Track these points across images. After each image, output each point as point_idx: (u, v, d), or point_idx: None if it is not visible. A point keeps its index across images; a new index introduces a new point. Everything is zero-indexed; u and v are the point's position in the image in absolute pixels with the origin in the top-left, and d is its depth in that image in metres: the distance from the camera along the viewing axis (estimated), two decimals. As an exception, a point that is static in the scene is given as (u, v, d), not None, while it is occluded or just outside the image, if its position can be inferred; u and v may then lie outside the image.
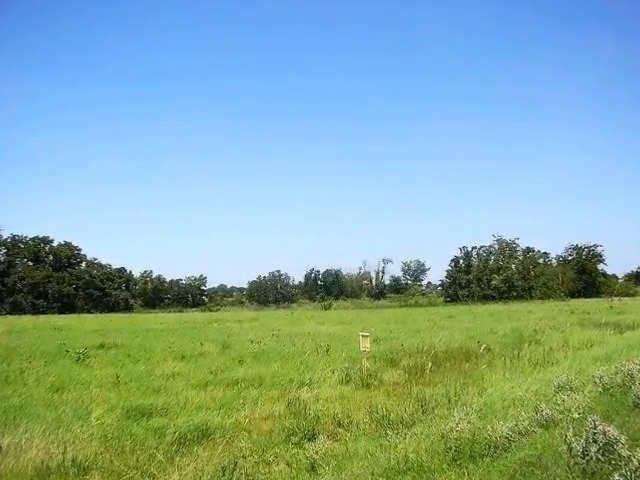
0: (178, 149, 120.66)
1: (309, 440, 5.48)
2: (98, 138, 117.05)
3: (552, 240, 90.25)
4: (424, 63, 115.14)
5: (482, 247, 75.13)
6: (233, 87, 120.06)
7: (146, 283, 79.36)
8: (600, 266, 72.72)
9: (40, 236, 70.69)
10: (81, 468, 4.79)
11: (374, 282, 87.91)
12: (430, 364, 9.47)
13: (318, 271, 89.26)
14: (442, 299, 72.81)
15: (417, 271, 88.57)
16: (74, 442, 5.38)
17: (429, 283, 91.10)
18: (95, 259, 73.99)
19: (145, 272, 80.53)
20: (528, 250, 74.25)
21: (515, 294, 66.16)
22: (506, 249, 73.60)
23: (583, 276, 70.98)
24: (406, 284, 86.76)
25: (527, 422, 4.60)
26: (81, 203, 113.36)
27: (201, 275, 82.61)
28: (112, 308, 67.84)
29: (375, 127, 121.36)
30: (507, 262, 71.74)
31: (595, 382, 5.88)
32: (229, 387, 8.54)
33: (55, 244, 71.55)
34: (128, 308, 70.40)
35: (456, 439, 4.43)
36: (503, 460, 3.98)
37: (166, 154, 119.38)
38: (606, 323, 16.99)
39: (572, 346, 11.60)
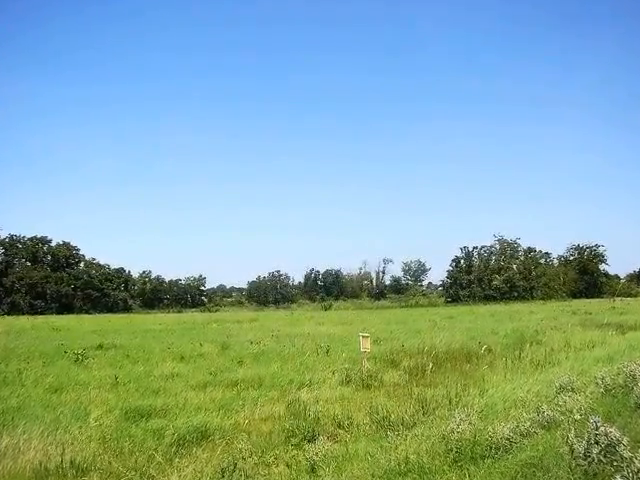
0: (177, 148, 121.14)
1: (309, 441, 5.45)
2: (97, 137, 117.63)
3: (553, 240, 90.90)
4: (424, 62, 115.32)
5: (483, 247, 75.09)
6: (233, 86, 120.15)
7: (145, 283, 79.14)
8: (602, 266, 72.65)
9: (38, 236, 70.45)
10: (79, 469, 4.77)
11: (374, 282, 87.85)
12: (431, 365, 9.44)
13: (318, 271, 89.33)
14: (443, 299, 72.72)
15: (418, 271, 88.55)
16: (72, 443, 5.37)
17: (430, 283, 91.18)
18: (94, 259, 73.79)
19: (144, 272, 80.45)
20: (529, 250, 74.14)
21: (516, 294, 66.03)
22: (507, 249, 73.49)
23: (585, 276, 70.81)
24: (407, 284, 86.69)
25: (528, 423, 4.58)
26: (80, 203, 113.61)
27: (200, 275, 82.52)
28: (111, 308, 67.52)
29: (375, 126, 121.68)
30: (508, 262, 71.62)
31: (597, 383, 5.87)
32: (228, 388, 8.51)
33: (53, 244, 71.28)
34: (127, 308, 70.09)
35: (457, 440, 4.42)
36: (504, 461, 3.98)
37: (165, 153, 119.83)
38: (608, 324, 16.96)
39: (574, 347, 11.57)
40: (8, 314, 53.67)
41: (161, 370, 10.29)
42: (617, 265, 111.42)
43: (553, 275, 70.20)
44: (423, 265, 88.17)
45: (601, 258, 72.44)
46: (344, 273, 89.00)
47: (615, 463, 3.20)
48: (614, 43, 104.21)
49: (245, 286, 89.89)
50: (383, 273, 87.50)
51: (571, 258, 74.73)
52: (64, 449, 5.09)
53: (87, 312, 62.54)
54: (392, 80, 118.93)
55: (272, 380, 9.03)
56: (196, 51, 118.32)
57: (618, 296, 53.84)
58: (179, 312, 65.08)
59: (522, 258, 73.31)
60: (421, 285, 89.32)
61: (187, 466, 4.88)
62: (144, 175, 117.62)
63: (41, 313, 57.25)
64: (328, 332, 19.88)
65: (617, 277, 75.75)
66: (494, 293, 67.07)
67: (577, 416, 4.56)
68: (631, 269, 77.34)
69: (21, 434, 5.41)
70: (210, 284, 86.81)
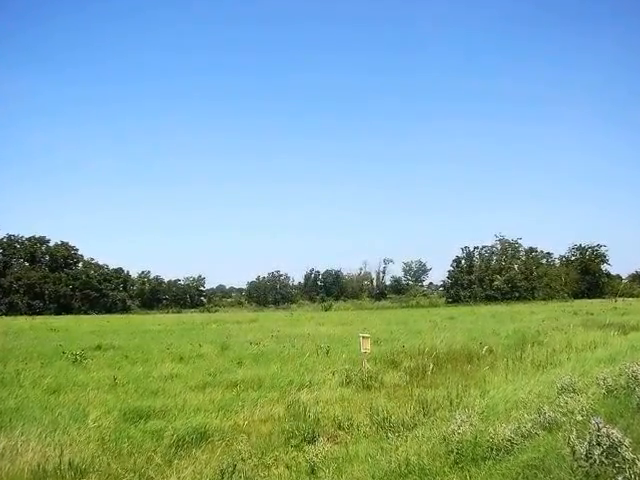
0: (176, 148, 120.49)
1: (309, 443, 5.43)
2: (96, 137, 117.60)
3: (555, 240, 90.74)
4: (425, 61, 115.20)
5: (484, 247, 75.03)
6: (232, 85, 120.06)
7: (144, 284, 78.81)
8: (604, 266, 72.56)
9: (36, 236, 70.17)
10: (78, 471, 4.75)
11: (375, 283, 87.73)
12: (431, 366, 9.41)
13: (318, 271, 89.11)
14: (444, 300, 72.61)
15: (418, 271, 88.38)
16: (71, 445, 5.35)
17: (430, 284, 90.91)
18: (92, 259, 73.41)
19: (143, 272, 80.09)
20: (531, 250, 74.01)
21: (518, 295, 65.94)
22: (508, 249, 73.38)
23: (586, 277, 70.68)
24: (407, 285, 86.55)
25: (530, 424, 4.57)
26: (78, 202, 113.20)
27: (199, 275, 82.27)
28: (109, 309, 67.27)
29: (375, 126, 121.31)
30: (509, 262, 71.53)
31: (599, 384, 5.85)
32: (228, 389, 8.49)
33: (52, 244, 70.95)
34: (125, 309, 69.85)
35: (458, 442, 4.41)
36: (505, 463, 3.98)
37: (164, 153, 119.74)
38: (610, 324, 16.96)
39: (575, 347, 11.56)
40: (6, 314, 53.64)
41: (160, 371, 10.27)
42: (619, 265, 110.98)
43: (555, 275, 70.08)
44: (424, 265, 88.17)
45: (603, 258, 72.34)
46: (344, 273, 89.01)
47: (617, 465, 3.20)
48: (615, 42, 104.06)
49: (245, 286, 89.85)
50: (383, 273, 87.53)
51: (573, 258, 74.61)
52: (62, 450, 5.07)
53: (85, 312, 62.44)
54: (392, 79, 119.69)
55: (272, 381, 9.00)
56: (196, 50, 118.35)
57: (620, 296, 53.83)
58: (178, 312, 64.95)
59: (523, 258, 73.22)
60: (422, 285, 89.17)
61: (186, 467, 4.87)
62: (143, 175, 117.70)
63: (39, 313, 57.08)
64: (328, 333, 19.85)
65: (619, 277, 75.73)
66: (495, 293, 66.98)
67: (579, 417, 4.55)
68: (633, 269, 77.22)
69: (19, 435, 5.39)
70: (209, 284, 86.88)
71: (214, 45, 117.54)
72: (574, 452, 3.42)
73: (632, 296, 57.91)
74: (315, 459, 4.74)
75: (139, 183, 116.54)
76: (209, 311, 67.44)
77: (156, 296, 78.65)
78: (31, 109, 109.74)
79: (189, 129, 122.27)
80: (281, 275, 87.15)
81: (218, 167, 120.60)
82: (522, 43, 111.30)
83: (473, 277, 71.00)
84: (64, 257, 70.51)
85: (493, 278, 69.41)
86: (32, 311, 59.35)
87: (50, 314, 57.46)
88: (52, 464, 4.81)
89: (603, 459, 3.24)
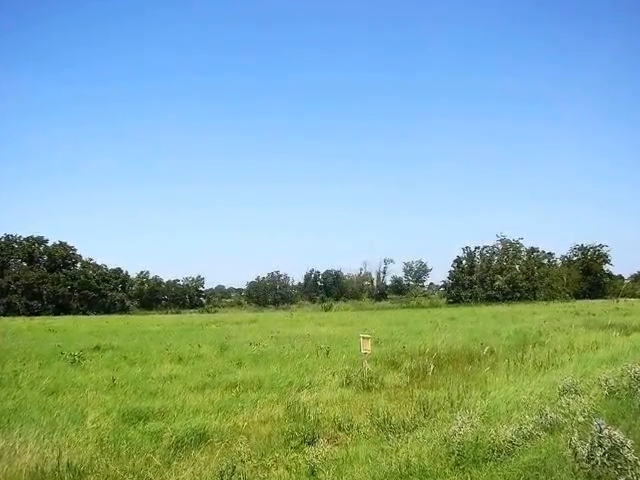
0: (175, 147, 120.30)
1: (309, 444, 5.41)
2: (94, 136, 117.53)
3: (557, 240, 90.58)
4: (425, 60, 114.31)
5: (485, 247, 74.98)
6: (231, 84, 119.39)
7: (142, 284, 78.49)
8: (606, 267, 72.39)
9: (34, 236, 70.01)
10: (76, 473, 4.73)
11: (375, 283, 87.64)
12: (432, 366, 9.38)
13: (318, 272, 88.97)
14: (444, 300, 72.51)
15: (419, 272, 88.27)
16: (69, 446, 5.32)
17: (431, 284, 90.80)
18: (90, 259, 73.22)
19: (141, 273, 79.74)
20: (532, 250, 73.89)
21: (519, 295, 65.83)
22: (510, 249, 73.27)
23: (588, 277, 70.53)
24: (408, 285, 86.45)
25: (531, 426, 4.55)
26: (76, 202, 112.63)
27: (199, 276, 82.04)
28: (108, 309, 67.00)
29: (376, 125, 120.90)
30: (511, 263, 71.44)
31: (601, 385, 5.83)
32: (227, 390, 8.46)
33: (50, 244, 70.76)
34: (124, 309, 69.60)
35: (459, 443, 4.39)
36: (507, 464, 3.98)
37: (163, 152, 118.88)
38: (612, 325, 16.89)
39: (577, 348, 11.53)
40: (4, 315, 53.53)
41: (159, 372, 10.24)
42: (621, 265, 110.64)
43: (556, 276, 69.96)
44: (424, 265, 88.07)
45: (605, 258, 72.16)
46: (344, 273, 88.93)
47: (619, 466, 3.22)
48: (616, 40, 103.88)
49: (244, 287, 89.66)
50: (384, 273, 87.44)
51: (574, 258, 74.47)
52: (61, 452, 5.04)
53: (84, 313, 62.30)
54: (392, 78, 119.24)
55: (271, 382, 8.97)
56: (195, 49, 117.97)
57: (622, 297, 53.71)
58: (177, 313, 64.86)
59: (525, 258, 73.11)
60: (422, 286, 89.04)
61: (185, 469, 4.85)
62: (142, 174, 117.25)
63: (37, 314, 56.93)
64: (328, 333, 19.82)
65: (621, 277, 75.52)
66: (496, 294, 66.90)
67: (580, 418, 4.54)
68: (635, 269, 76.94)
69: (17, 437, 5.36)
70: (209, 285, 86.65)
71: (213, 44, 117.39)
72: (576, 454, 3.42)
73: (634, 296, 57.71)
74: (315, 460, 4.71)
75: (138, 183, 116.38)
76: (208, 311, 67.22)
77: (155, 296, 78.50)
78: (29, 108, 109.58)
79: (188, 128, 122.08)
80: (281, 275, 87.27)
81: (217, 167, 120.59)
82: (523, 42, 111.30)
83: (474, 277, 70.91)
84: (62, 257, 70.34)
85: (494, 278, 69.32)
86: (30, 312, 59.22)
87: (48, 314, 57.27)
88: (50, 465, 4.79)
89: (605, 461, 3.24)
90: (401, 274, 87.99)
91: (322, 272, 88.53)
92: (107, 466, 4.86)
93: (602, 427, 3.36)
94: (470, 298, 66.78)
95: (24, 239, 69.60)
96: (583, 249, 73.95)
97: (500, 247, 73.90)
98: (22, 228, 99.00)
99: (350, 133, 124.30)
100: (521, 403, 5.80)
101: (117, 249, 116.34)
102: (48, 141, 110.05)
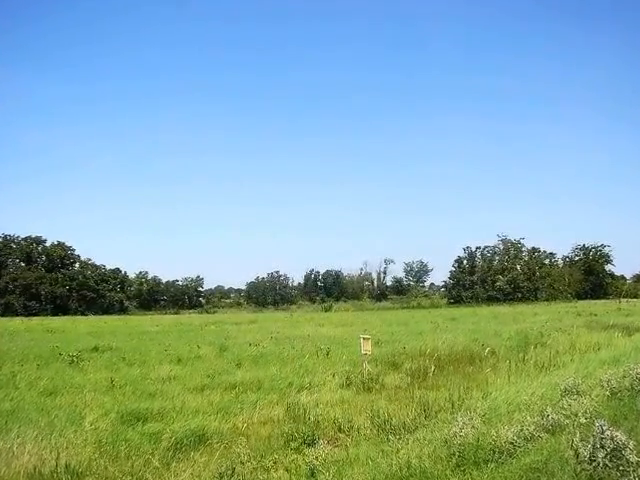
0: (174, 146, 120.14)
1: (309, 445, 5.39)
2: (93, 135, 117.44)
3: (558, 240, 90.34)
4: (426, 58, 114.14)
5: (486, 247, 74.95)
6: (231, 83, 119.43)
7: (141, 284, 78.34)
8: (608, 267, 72.23)
9: (32, 236, 69.82)
10: (75, 474, 4.72)
11: (375, 283, 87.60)
12: (433, 367, 9.35)
13: (318, 272, 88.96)
14: (445, 301, 72.49)
15: (420, 272, 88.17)
16: (67, 447, 5.30)
17: (432, 284, 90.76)
18: (89, 259, 73.08)
19: (140, 273, 79.71)
20: (534, 250, 73.77)
21: (520, 295, 65.72)
22: (511, 249, 73.18)
23: (590, 277, 70.38)
24: (408, 285, 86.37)
25: (533, 427, 4.52)
26: (75, 202, 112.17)
27: (198, 276, 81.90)
28: (106, 310, 66.78)
29: (376, 124, 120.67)
30: (512, 263, 71.34)
31: (603, 386, 5.81)
32: (227, 391, 8.44)
33: (48, 244, 70.58)
34: (123, 310, 69.54)
35: (460, 444, 4.36)
36: (508, 466, 3.95)
37: (162, 152, 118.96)
38: (614, 325, 16.85)
39: (579, 349, 11.49)
40: (2, 316, 53.44)
41: (158, 373, 10.21)
42: (623, 266, 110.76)
43: (558, 276, 69.82)
44: (425, 266, 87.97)
45: (607, 258, 72.01)
46: (344, 274, 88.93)
47: (621, 468, 3.20)
48: (617, 39, 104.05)
49: (244, 287, 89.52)
50: (384, 274, 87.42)
51: (576, 258, 74.34)
52: (59, 453, 5.02)
53: (82, 313, 62.12)
54: (393, 77, 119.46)
55: (271, 383, 8.96)
56: (195, 47, 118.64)
57: (624, 297, 53.54)
58: (176, 314, 64.84)
59: (526, 258, 73.00)
60: (423, 286, 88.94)
61: (184, 470, 4.85)
62: (141, 174, 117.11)
63: (35, 314, 56.78)
64: (328, 334, 19.82)
65: (623, 278, 75.34)
66: (497, 294, 66.81)
67: (582, 420, 4.51)
68: (637, 270, 76.86)
69: (15, 438, 5.34)
70: (208, 285, 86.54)
71: (213, 42, 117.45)
72: (578, 455, 3.41)
73: (636, 297, 57.59)
74: (315, 462, 4.69)
75: (137, 182, 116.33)
76: (207, 312, 67.10)
77: (154, 297, 78.42)
78: (27, 107, 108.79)
79: (187, 127, 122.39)
80: (280, 275, 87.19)
81: (216, 166, 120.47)
82: (523, 40, 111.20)
83: (475, 278, 70.84)
84: (60, 257, 70.19)
85: (495, 279, 69.24)
86: (28, 312, 59.00)
87: (46, 315, 57.17)
88: (48, 467, 4.78)
89: (607, 462, 3.23)
90: (402, 274, 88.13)
91: (322, 272, 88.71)
92: (106, 468, 4.85)
93: (604, 428, 3.34)
94: (471, 298, 66.73)
95: (22, 239, 69.47)
96: (585, 249, 73.79)
97: (501, 247, 73.88)
98: (20, 228, 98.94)
99: (350, 132, 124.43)
100: (522, 404, 5.77)
101: (116, 249, 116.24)
102: (46, 140, 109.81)
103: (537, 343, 12.85)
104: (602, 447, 3.27)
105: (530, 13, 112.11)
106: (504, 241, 73.24)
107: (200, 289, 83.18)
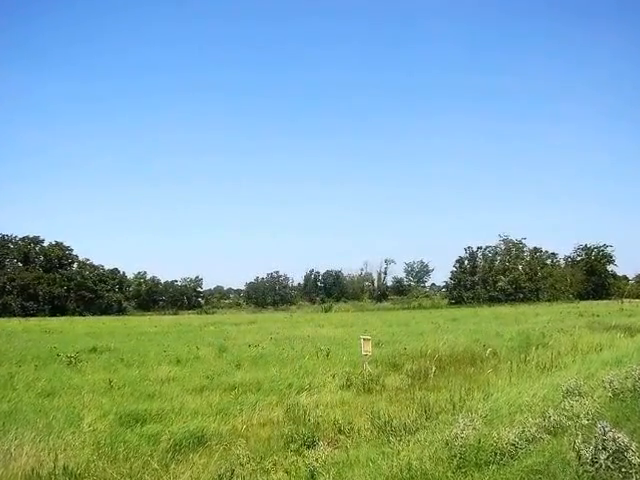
0: (172, 146, 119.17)
1: (309, 447, 5.37)
2: (92, 134, 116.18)
3: (560, 240, 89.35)
4: (426, 57, 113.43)
5: (488, 247, 74.76)
6: (230, 82, 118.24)
7: (140, 284, 78.06)
8: (610, 267, 71.96)
9: (30, 236, 69.39)
10: (73, 476, 4.70)
11: (376, 283, 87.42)
12: (434, 368, 9.33)
13: (318, 272, 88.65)
14: (446, 301, 72.37)
15: (420, 272, 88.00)
16: (65, 449, 5.28)
17: (433, 285, 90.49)
18: (87, 260, 72.58)
19: (139, 273, 79.31)
20: (535, 250, 73.60)
21: (522, 296, 65.56)
22: (513, 249, 73.04)
23: (592, 277, 70.13)
24: (409, 286, 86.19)
25: (534, 428, 4.50)
26: (73, 202, 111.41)
27: (197, 276, 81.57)
28: (105, 310, 66.53)
29: (377, 122, 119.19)
30: (514, 263, 71.20)
31: (605, 387, 5.78)
32: (226, 392, 8.42)
33: (46, 244, 70.12)
34: (121, 310, 69.33)
35: (461, 446, 4.35)
36: (510, 468, 3.95)
37: (160, 151, 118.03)
38: (616, 326, 16.82)
39: (581, 350, 11.44)
40: (-1, 316, 53.44)
41: (156, 374, 10.18)
42: (625, 266, 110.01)
43: (560, 276, 69.63)
44: (426, 266, 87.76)
45: (609, 259, 71.77)
46: (345, 274, 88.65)
47: (623, 469, 3.20)
48: (619, 38, 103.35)
49: (243, 287, 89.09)
50: (385, 274, 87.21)
51: (578, 259, 74.09)
52: (57, 455, 5.00)
53: (80, 314, 61.90)
54: (393, 76, 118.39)
55: (271, 384, 8.93)
56: (194, 46, 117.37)
57: (626, 298, 53.36)
58: (175, 314, 64.69)
59: (528, 259, 72.84)
60: (424, 286, 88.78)
61: (183, 472, 4.83)
62: (140, 173, 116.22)
63: (33, 315, 56.65)
64: (328, 334, 19.79)
65: (625, 278, 75.00)
66: (499, 294, 66.68)
67: (584, 421, 4.49)
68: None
69: (12, 439, 5.31)
70: (207, 285, 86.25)
71: (212, 41, 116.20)
72: (580, 457, 3.40)
73: (639, 297, 57.22)
74: (315, 464, 4.67)
75: (135, 182, 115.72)
76: (206, 313, 66.99)
77: (152, 297, 78.14)
78: (26, 106, 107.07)
79: (186, 126, 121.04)
80: (280, 276, 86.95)
81: (216, 165, 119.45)
82: (524, 39, 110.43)
83: (476, 278, 70.74)
84: (58, 257, 69.85)
85: (497, 279, 69.12)
86: (26, 313, 58.83)
87: (44, 316, 57.04)
88: (46, 469, 4.75)
89: (609, 464, 3.22)
90: (402, 274, 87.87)
91: (322, 272, 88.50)
92: (104, 469, 4.82)
93: (606, 430, 3.32)
94: (472, 299, 66.58)
95: (20, 239, 69.19)
96: (587, 249, 73.55)
97: (503, 247, 73.71)
98: (18, 228, 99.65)
99: (350, 132, 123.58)
100: (524, 405, 5.74)
101: (114, 249, 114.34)
102: (45, 139, 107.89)
103: (539, 344, 12.80)
104: (604, 449, 3.26)
105: (530, 11, 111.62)
106: (505, 241, 73.16)
107: (199, 289, 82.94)
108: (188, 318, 48.41)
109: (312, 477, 4.55)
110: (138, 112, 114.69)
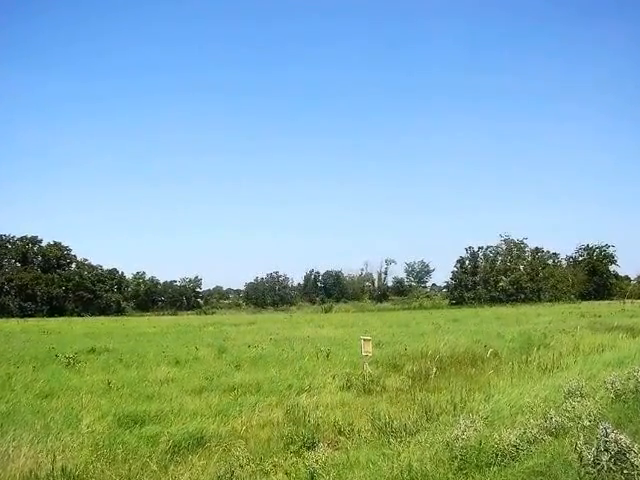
0: (172, 145, 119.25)
1: (309, 449, 5.34)
2: (90, 134, 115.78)
3: (562, 240, 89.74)
4: (426, 56, 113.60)
5: (489, 247, 74.68)
6: (230, 81, 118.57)
7: (139, 285, 77.96)
8: (612, 267, 71.96)
9: (28, 236, 69.42)
10: (71, 478, 4.68)
11: (376, 284, 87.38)
12: (435, 369, 9.28)
13: (318, 272, 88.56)
14: (447, 301, 72.30)
15: (421, 272, 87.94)
16: (64, 451, 5.25)
17: (434, 285, 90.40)
18: (85, 260, 72.53)
19: (138, 273, 79.10)
20: (537, 250, 73.49)
21: (523, 296, 65.47)
22: (514, 249, 72.93)
23: (594, 278, 69.99)
24: (410, 286, 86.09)
25: (536, 430, 4.47)
26: (71, 201, 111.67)
27: (196, 276, 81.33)
28: (103, 311, 66.43)
29: (377, 122, 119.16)
30: (515, 263, 71.09)
31: (607, 388, 5.76)
32: (225, 393, 8.39)
33: (44, 244, 70.13)
34: (120, 311, 69.07)
35: (462, 447, 4.34)
36: (511, 469, 3.95)
37: (160, 150, 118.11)
38: (618, 327, 16.76)
39: (582, 351, 11.41)
40: (-3, 317, 53.31)
41: (155, 375, 10.14)
42: (627, 266, 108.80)
43: (561, 276, 69.48)
44: (427, 266, 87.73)
45: (611, 259, 71.66)
46: (345, 274, 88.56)
47: (625, 471, 3.20)
48: (621, 36, 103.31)
49: (242, 288, 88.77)
50: (385, 274, 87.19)
51: (580, 259, 73.95)
52: (55, 456, 4.97)
53: (79, 314, 61.86)
54: (393, 75, 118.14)
55: (270, 385, 8.90)
56: (194, 45, 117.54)
57: (628, 298, 53.28)
58: (174, 315, 64.59)
59: (529, 259, 72.75)
60: (424, 287, 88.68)
61: (182, 474, 4.80)
62: (139, 173, 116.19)
63: (31, 316, 56.58)
64: (328, 335, 19.75)
65: (627, 278, 74.83)
66: (500, 295, 66.58)
67: (586, 422, 4.47)
68: (642, 270, 76.12)
69: (10, 441, 5.29)
70: (206, 285, 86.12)
71: (213, 40, 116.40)
72: (581, 458, 3.38)
73: (641, 298, 57.20)
74: (315, 465, 4.63)
75: (134, 181, 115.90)
76: (206, 313, 66.78)
77: (151, 298, 77.98)
78: (25, 105, 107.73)
79: (186, 126, 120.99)
80: (280, 276, 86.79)
81: (215, 165, 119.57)
82: (525, 38, 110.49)
83: (477, 278, 70.65)
84: (57, 257, 69.76)
85: (498, 279, 69.03)
86: (24, 313, 58.74)
87: (42, 316, 56.89)
88: (44, 470, 4.73)
89: (611, 465, 3.21)
90: (403, 275, 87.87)
91: (322, 273, 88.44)
92: (102, 471, 4.80)
93: (608, 431, 3.31)
94: (473, 299, 66.47)
95: (18, 239, 69.06)
96: (589, 249, 73.40)
97: (504, 247, 73.60)
98: (17, 227, 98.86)
99: (351, 131, 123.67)
100: (525, 407, 5.72)
101: (113, 249, 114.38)
102: (44, 138, 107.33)
103: (540, 344, 12.76)
104: (606, 450, 3.25)
105: (530, 10, 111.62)
106: (507, 241, 73.02)
107: (198, 290, 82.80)
108: (187, 318, 48.43)
109: (312, 479, 4.52)
110: (138, 112, 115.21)
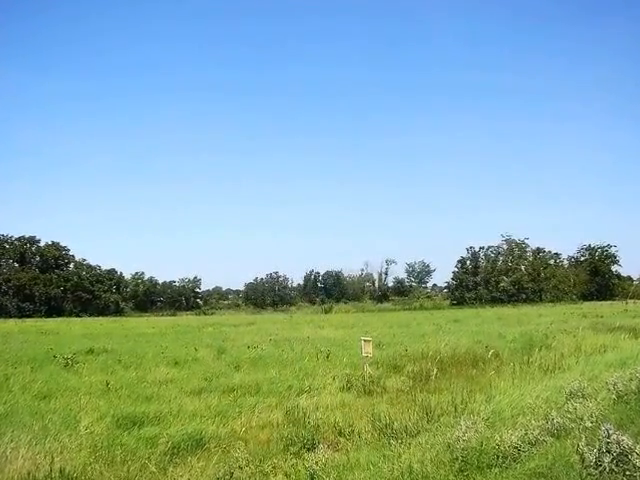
0: (172, 145, 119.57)
1: (308, 450, 5.33)
2: (89, 134, 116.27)
3: (563, 240, 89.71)
4: (426, 55, 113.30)
5: (490, 247, 74.61)
6: (230, 80, 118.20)
7: (137, 285, 77.70)
8: (614, 267, 71.78)
9: (26, 236, 69.18)
10: (69, 479, 4.66)
11: (377, 284, 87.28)
12: (435, 370, 9.26)
13: (318, 272, 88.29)
14: (448, 302, 72.23)
15: (422, 273, 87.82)
16: (62, 452, 5.23)
17: (434, 285, 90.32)
18: (84, 260, 72.13)
19: (136, 274, 78.84)
20: (538, 250, 73.38)
21: (524, 297, 65.38)
22: (515, 249, 72.85)
23: (596, 278, 69.84)
24: (410, 286, 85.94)
25: (537, 431, 4.45)
26: (69, 201, 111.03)
27: (195, 277, 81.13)
28: (102, 311, 66.04)
29: (377, 121, 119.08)
30: (516, 263, 70.98)
31: (609, 389, 5.74)
32: (225, 394, 8.37)
33: (42, 244, 69.76)
34: (119, 311, 68.90)
35: (463, 449, 4.33)
36: (512, 471, 3.94)
37: (159, 150, 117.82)
38: (620, 327, 16.69)
39: (584, 351, 11.36)
40: (-5, 317, 53.17)
41: (154, 376, 10.14)
42: (630, 266, 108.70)
43: (563, 276, 69.37)
44: (427, 266, 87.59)
45: (613, 259, 71.48)
46: (345, 274, 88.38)
47: (628, 472, 3.19)
48: (622, 35, 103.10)
49: (242, 288, 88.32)
50: (386, 274, 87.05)
51: (582, 259, 73.79)
52: (53, 458, 4.95)
53: (77, 315, 61.68)
54: (393, 74, 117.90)
55: (270, 386, 8.89)
56: (194, 44, 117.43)
57: (631, 298, 53.14)
58: (173, 315, 64.56)
59: (531, 259, 72.64)
60: (425, 287, 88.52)
61: (182, 475, 4.79)
62: (137, 173, 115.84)
63: (29, 316, 56.35)
64: (328, 336, 19.73)
65: (630, 279, 74.50)
66: (501, 295, 66.49)
67: (588, 423, 4.45)
68: (644, 270, 75.91)
69: (8, 442, 5.27)
70: (205, 286, 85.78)
71: (212, 39, 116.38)
72: (583, 460, 3.37)
73: (643, 298, 56.96)
74: (315, 467, 4.62)
75: (133, 181, 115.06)
76: (205, 314, 66.63)
77: (150, 298, 77.76)
78: (24, 104, 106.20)
79: (184, 126, 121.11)
80: (280, 276, 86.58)
81: (215, 165, 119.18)
82: (525, 36, 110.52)
83: (478, 278, 70.58)
84: (55, 258, 69.60)
85: (499, 279, 68.92)
86: (22, 313, 58.53)
87: (40, 317, 56.69)
88: (43, 472, 4.71)
89: (613, 467, 3.19)
90: (403, 275, 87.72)
91: (322, 273, 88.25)
92: (101, 473, 4.78)
93: (610, 432, 3.29)
94: (474, 300, 66.37)
95: (16, 239, 68.83)
96: (591, 249, 73.23)
97: (505, 247, 73.53)
98: (15, 227, 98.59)
99: (351, 131, 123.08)
100: (527, 408, 5.69)
101: (111, 249, 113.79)
102: (42, 138, 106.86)
103: (542, 345, 12.71)
104: (608, 452, 3.24)
105: (531, 9, 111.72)
106: (508, 241, 72.96)
107: (197, 290, 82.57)
108: (186, 319, 48.45)
109: (312, 480, 4.50)
110: (137, 111, 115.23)
